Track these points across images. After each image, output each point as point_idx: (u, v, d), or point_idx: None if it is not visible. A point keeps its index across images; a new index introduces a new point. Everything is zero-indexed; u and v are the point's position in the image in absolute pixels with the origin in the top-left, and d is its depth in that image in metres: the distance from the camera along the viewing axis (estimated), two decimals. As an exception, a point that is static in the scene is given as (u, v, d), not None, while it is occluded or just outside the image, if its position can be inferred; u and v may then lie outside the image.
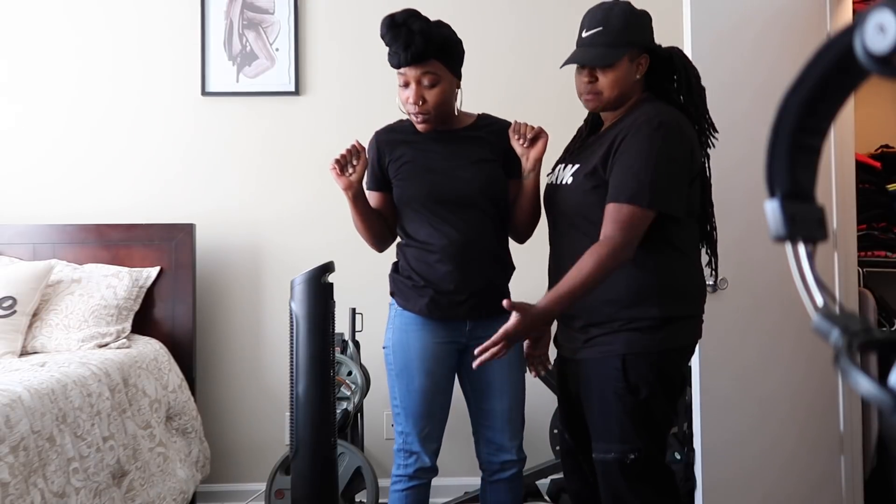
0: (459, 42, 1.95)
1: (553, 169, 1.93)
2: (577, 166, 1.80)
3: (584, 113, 1.98)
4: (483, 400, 2.02)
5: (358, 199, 1.99)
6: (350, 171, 1.95)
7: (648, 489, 1.73)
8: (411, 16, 1.86)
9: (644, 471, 1.71)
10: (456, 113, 2.00)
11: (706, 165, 1.82)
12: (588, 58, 1.75)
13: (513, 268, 2.11)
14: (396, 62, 1.88)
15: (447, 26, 1.94)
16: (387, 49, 3.03)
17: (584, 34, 1.76)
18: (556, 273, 1.87)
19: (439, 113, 1.93)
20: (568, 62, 1.79)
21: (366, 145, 2.03)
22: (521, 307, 1.66)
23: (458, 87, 1.98)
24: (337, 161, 1.94)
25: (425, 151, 1.99)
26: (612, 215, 1.66)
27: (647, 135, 1.67)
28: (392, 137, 2.04)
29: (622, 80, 1.74)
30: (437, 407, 2.01)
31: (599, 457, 1.75)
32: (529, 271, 3.25)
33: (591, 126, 1.92)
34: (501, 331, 1.65)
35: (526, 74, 3.21)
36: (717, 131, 1.85)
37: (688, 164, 1.72)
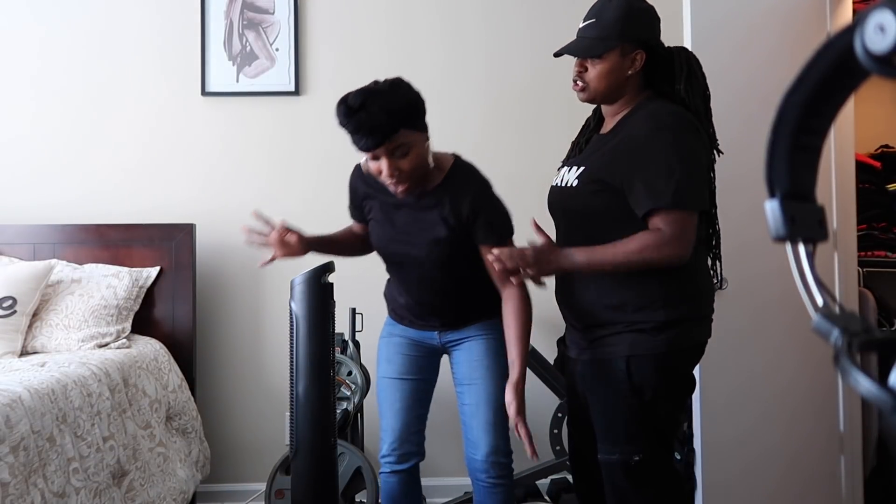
0: (418, 95, 1.84)
1: (559, 170, 1.91)
2: (581, 169, 1.77)
3: (583, 114, 1.98)
4: (459, 394, 2.07)
5: (314, 249, 2.07)
6: (278, 252, 2.00)
7: (653, 491, 1.72)
8: (368, 96, 1.74)
9: (649, 472, 1.70)
10: (431, 164, 1.90)
11: (712, 168, 1.81)
12: (573, 47, 1.76)
13: (486, 285, 1.97)
14: (365, 147, 1.78)
15: (404, 86, 1.82)
16: (386, 47, 3.04)
17: (581, 25, 1.77)
18: (561, 276, 1.86)
19: (416, 176, 1.86)
20: (558, 52, 1.79)
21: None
22: (547, 237, 1.72)
23: (427, 140, 1.88)
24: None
25: (388, 214, 1.99)
26: (663, 220, 1.61)
27: (664, 137, 1.63)
28: (365, 190, 2.03)
29: (611, 73, 1.72)
30: (395, 395, 2.07)
31: (604, 458, 1.74)
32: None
33: (595, 124, 1.90)
34: (520, 248, 1.69)
35: (529, 75, 3.20)
36: (717, 141, 1.82)
37: (705, 159, 1.71)
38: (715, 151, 1.82)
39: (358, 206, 2.08)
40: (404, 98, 1.80)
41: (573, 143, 1.95)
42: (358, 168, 2.05)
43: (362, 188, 2.03)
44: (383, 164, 1.80)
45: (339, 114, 1.77)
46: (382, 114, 1.73)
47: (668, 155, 1.62)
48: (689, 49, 1.86)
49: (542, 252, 1.67)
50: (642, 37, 1.73)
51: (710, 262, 1.86)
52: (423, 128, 1.86)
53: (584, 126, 1.95)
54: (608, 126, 1.82)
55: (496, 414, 1.97)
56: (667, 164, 1.62)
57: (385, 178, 1.83)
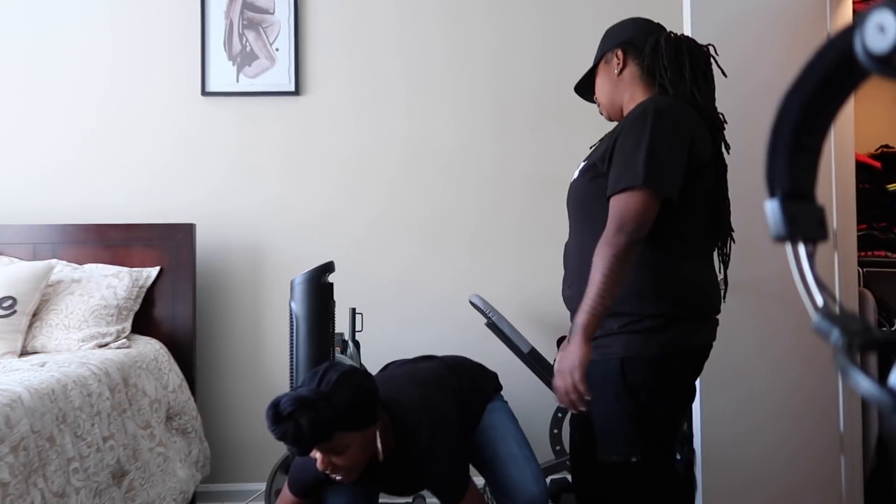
0: (365, 394, 1.75)
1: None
2: (583, 163, 1.84)
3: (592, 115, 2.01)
4: (491, 455, 2.12)
5: None
6: None
7: (651, 492, 1.71)
8: (299, 405, 1.65)
9: (647, 474, 1.70)
10: (381, 457, 1.80)
11: (721, 155, 1.80)
12: (575, 88, 2.00)
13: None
14: (292, 453, 1.72)
15: (348, 386, 1.72)
16: (386, 46, 3.02)
17: None
18: (566, 268, 1.88)
19: (356, 470, 1.78)
20: (583, 96, 2.00)
21: None
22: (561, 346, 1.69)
23: (375, 430, 1.78)
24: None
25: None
26: (611, 207, 1.64)
27: (641, 124, 1.65)
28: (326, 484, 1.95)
29: (604, 82, 1.86)
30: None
31: (603, 458, 1.73)
32: (532, 280, 3.25)
33: None
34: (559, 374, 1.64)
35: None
36: (720, 120, 1.82)
37: (685, 149, 1.66)
38: (720, 130, 1.81)
39: (317, 484, 1.96)
40: (342, 404, 1.68)
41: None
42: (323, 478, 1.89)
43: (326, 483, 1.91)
44: (317, 457, 1.73)
45: (267, 418, 1.67)
46: (310, 427, 1.64)
47: (634, 141, 1.63)
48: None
49: (561, 369, 1.63)
50: (618, 39, 1.85)
51: (715, 255, 1.85)
52: (365, 425, 1.74)
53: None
54: None
55: (531, 452, 2.11)
56: (631, 149, 1.63)
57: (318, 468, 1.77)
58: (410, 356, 2.36)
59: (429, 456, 1.83)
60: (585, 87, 1.98)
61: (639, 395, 1.67)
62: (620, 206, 1.62)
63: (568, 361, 1.60)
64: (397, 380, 2.01)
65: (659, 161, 1.61)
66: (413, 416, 1.86)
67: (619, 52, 1.82)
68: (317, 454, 1.73)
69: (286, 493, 1.98)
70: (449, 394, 2.02)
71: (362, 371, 1.80)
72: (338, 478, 1.78)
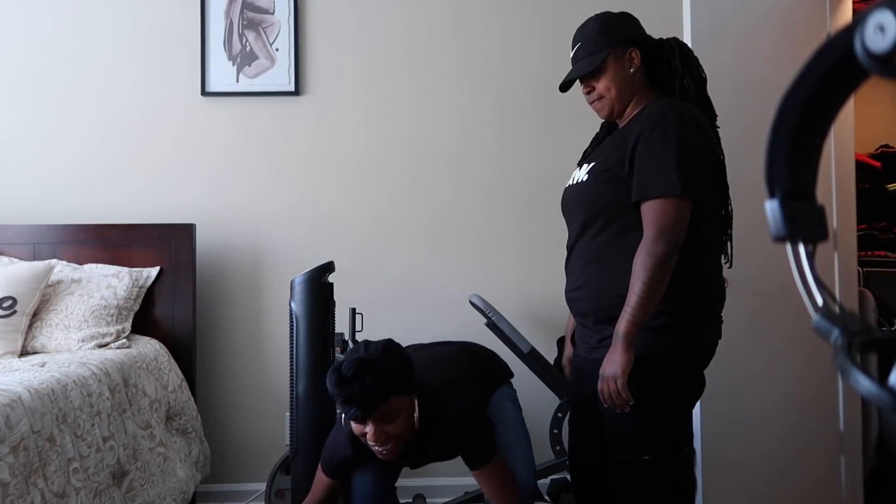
0: (408, 359, 1.83)
1: (572, 175, 1.93)
2: (592, 164, 1.81)
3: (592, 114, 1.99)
4: None
5: None
6: None
7: (662, 490, 1.71)
8: (361, 366, 1.72)
9: (657, 472, 1.70)
10: (416, 426, 1.86)
11: (721, 153, 1.82)
12: (573, 72, 1.83)
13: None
14: (354, 416, 1.74)
15: (394, 351, 1.81)
16: (387, 47, 3.02)
17: (571, 55, 1.86)
18: (569, 272, 1.87)
19: (402, 439, 1.82)
20: (562, 84, 1.87)
21: None
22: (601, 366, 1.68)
23: (415, 400, 1.85)
24: None
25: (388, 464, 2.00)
26: (645, 214, 1.65)
27: (664, 128, 1.65)
28: (362, 457, 1.98)
29: (616, 78, 1.79)
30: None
31: (613, 457, 1.73)
32: (532, 280, 3.25)
33: (608, 129, 1.94)
34: (601, 391, 1.66)
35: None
36: (716, 116, 1.85)
37: (709, 153, 1.71)
38: (718, 132, 1.83)
39: (348, 467, 2.01)
40: (395, 365, 1.77)
41: (584, 152, 1.98)
42: (354, 443, 1.94)
43: (359, 459, 1.96)
44: (369, 429, 1.76)
45: (331, 383, 1.73)
46: (375, 385, 1.70)
47: (661, 146, 1.64)
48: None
49: (605, 375, 1.64)
50: (628, 36, 1.80)
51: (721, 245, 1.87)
52: (412, 391, 1.83)
53: (593, 139, 1.98)
54: (621, 126, 1.85)
55: (525, 437, 2.12)
56: (662, 155, 1.64)
57: (370, 442, 1.79)
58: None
59: (458, 425, 1.88)
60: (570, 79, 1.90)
61: (651, 392, 1.66)
62: (658, 214, 1.62)
63: (611, 368, 1.63)
64: (421, 360, 2.05)
65: (691, 167, 1.64)
66: (440, 392, 1.91)
67: (636, 52, 1.79)
68: (369, 427, 1.75)
69: (319, 475, 2.03)
70: (468, 373, 2.07)
71: (396, 342, 1.86)
72: (383, 451, 1.80)
